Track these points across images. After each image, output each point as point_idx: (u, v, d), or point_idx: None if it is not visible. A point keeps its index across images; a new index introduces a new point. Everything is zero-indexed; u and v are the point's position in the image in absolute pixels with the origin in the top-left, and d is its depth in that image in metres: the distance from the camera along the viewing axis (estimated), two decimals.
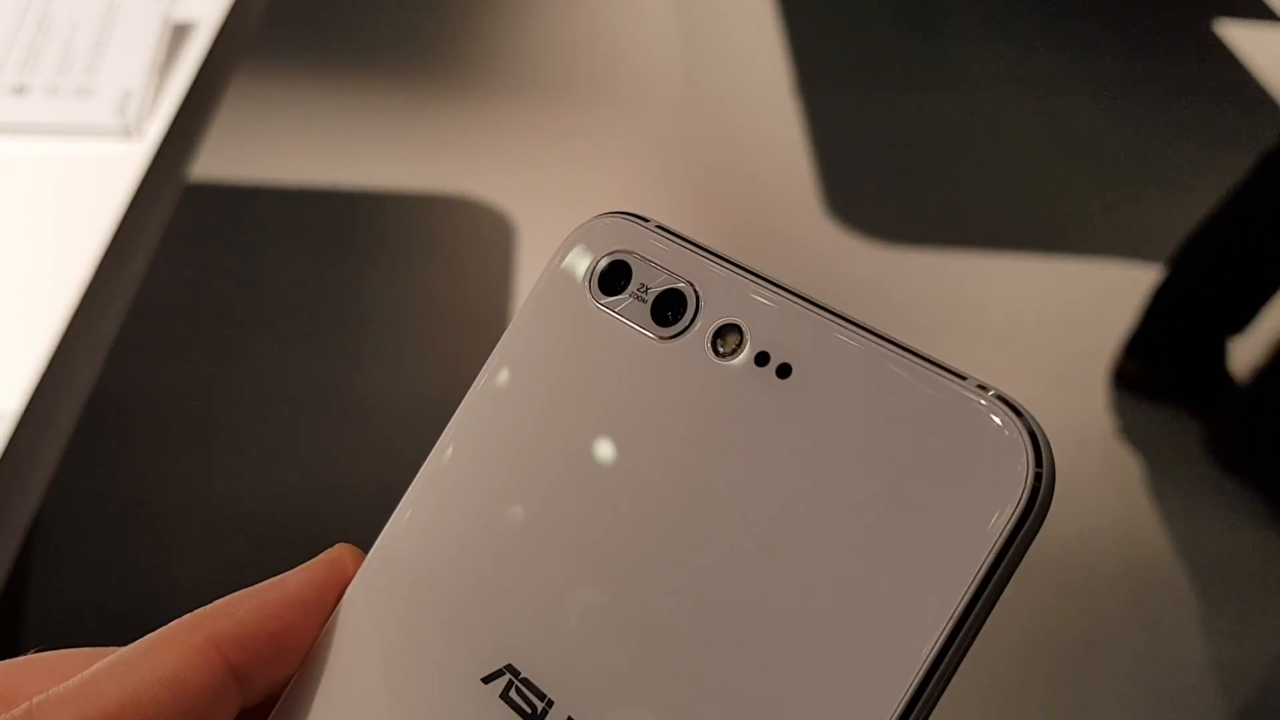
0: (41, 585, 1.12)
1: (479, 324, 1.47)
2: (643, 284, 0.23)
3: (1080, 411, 1.44)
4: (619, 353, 0.23)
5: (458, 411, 0.25)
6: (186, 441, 1.33)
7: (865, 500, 0.20)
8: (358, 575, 0.24)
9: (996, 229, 1.73)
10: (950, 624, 0.19)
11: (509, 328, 0.25)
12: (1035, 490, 0.19)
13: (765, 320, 0.22)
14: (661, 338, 0.23)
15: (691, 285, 0.23)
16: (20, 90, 0.69)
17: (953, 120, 1.95)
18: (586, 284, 0.24)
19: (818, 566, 0.20)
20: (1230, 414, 1.37)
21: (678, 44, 2.10)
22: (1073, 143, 1.92)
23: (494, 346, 0.24)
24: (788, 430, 0.21)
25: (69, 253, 0.61)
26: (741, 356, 0.22)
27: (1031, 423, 0.20)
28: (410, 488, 0.25)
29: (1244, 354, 1.47)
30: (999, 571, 0.19)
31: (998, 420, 0.19)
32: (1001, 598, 0.20)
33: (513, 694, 0.22)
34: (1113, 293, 1.61)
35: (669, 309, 0.23)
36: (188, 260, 1.53)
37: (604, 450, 0.22)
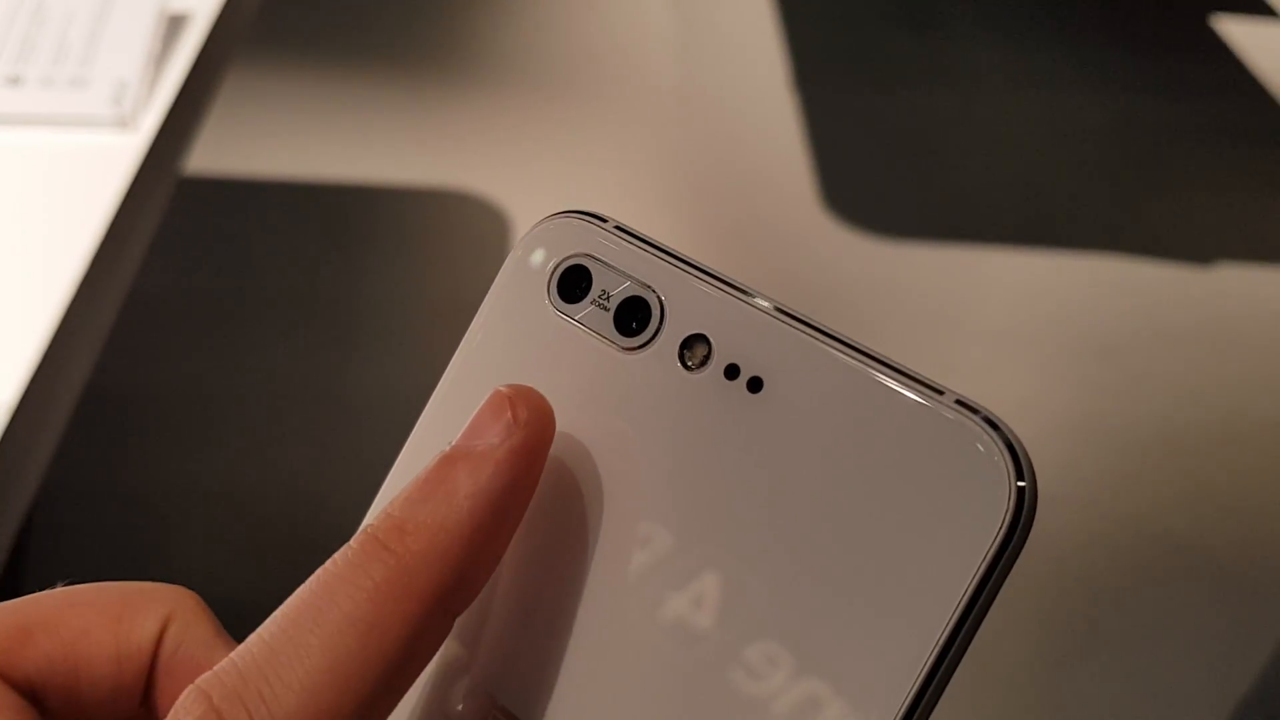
0: (35, 578, 1.11)
1: (473, 318, 1.47)
2: (604, 290, 0.22)
3: (1076, 407, 1.44)
4: (582, 365, 0.22)
5: (416, 426, 0.24)
6: (180, 434, 1.33)
7: (843, 523, 0.19)
8: None
9: (994, 224, 1.73)
10: (937, 649, 0.18)
11: (465, 336, 0.23)
12: (1019, 506, 0.18)
13: (734, 331, 0.21)
14: (626, 348, 0.21)
15: (655, 292, 0.21)
16: (15, 81, 0.69)
17: (950, 115, 1.95)
18: (545, 290, 0.22)
19: (796, 595, 0.19)
20: None
21: (674, 38, 2.10)
22: (1070, 138, 1.92)
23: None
24: (760, 448, 0.20)
25: (64, 244, 0.61)
26: (710, 369, 0.21)
27: (1009, 435, 0.19)
28: (368, 514, 0.23)
29: None
30: (984, 592, 0.19)
31: (977, 439, 0.19)
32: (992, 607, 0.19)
33: None
34: (1110, 288, 1.61)
35: (633, 318, 0.21)
36: (181, 253, 1.53)
37: (571, 469, 0.22)
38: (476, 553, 0.19)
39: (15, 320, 0.57)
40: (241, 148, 1.71)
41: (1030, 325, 1.55)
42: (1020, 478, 0.19)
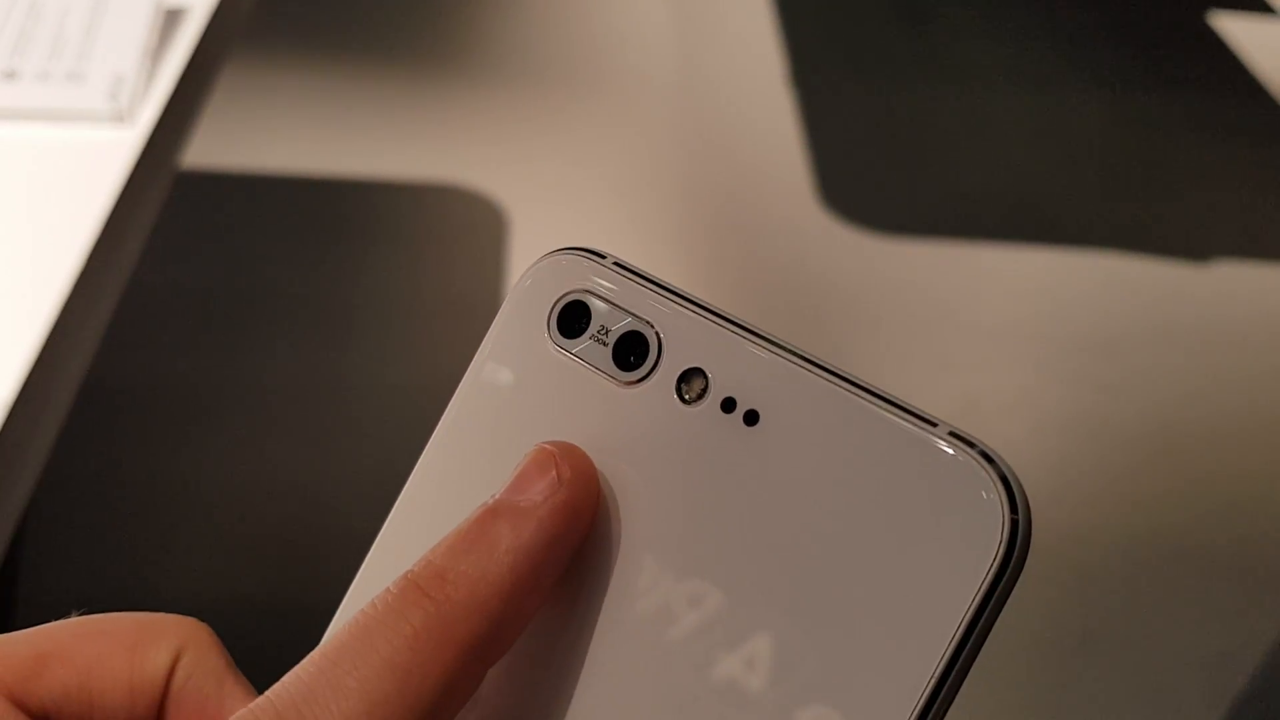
0: (32, 573, 1.11)
1: (471, 313, 1.47)
2: (603, 326, 0.22)
3: (1073, 403, 1.44)
4: (582, 399, 0.22)
5: (420, 460, 0.24)
6: (177, 429, 1.33)
7: (839, 557, 0.20)
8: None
9: (990, 220, 1.73)
10: (934, 679, 0.19)
11: (468, 371, 0.24)
12: (1013, 537, 0.19)
13: (730, 364, 0.21)
14: (624, 383, 0.22)
15: (653, 327, 0.22)
16: (11, 75, 0.69)
17: (947, 112, 1.95)
18: (545, 326, 0.23)
19: (793, 629, 0.20)
20: None
21: (671, 34, 2.09)
22: (1067, 135, 1.92)
23: (464, 371, 0.23)
24: (757, 481, 0.20)
25: (61, 238, 0.61)
26: (707, 402, 0.21)
27: (1003, 467, 0.19)
28: (374, 544, 0.24)
29: None
30: (981, 621, 0.19)
31: (971, 471, 0.19)
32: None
33: None
34: (1106, 284, 1.61)
35: (631, 353, 0.22)
36: (178, 247, 1.52)
37: None
38: (515, 607, 0.20)
39: (13, 315, 0.57)
40: (238, 143, 1.70)
41: (1026, 321, 1.55)
42: (1014, 510, 0.19)
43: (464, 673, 0.19)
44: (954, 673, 0.19)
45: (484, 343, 0.24)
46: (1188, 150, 1.88)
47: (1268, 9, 2.29)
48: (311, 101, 1.83)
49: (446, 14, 2.10)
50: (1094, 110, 1.97)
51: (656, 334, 0.22)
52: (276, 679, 0.20)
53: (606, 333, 0.22)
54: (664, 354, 0.22)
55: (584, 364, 0.22)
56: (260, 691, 0.19)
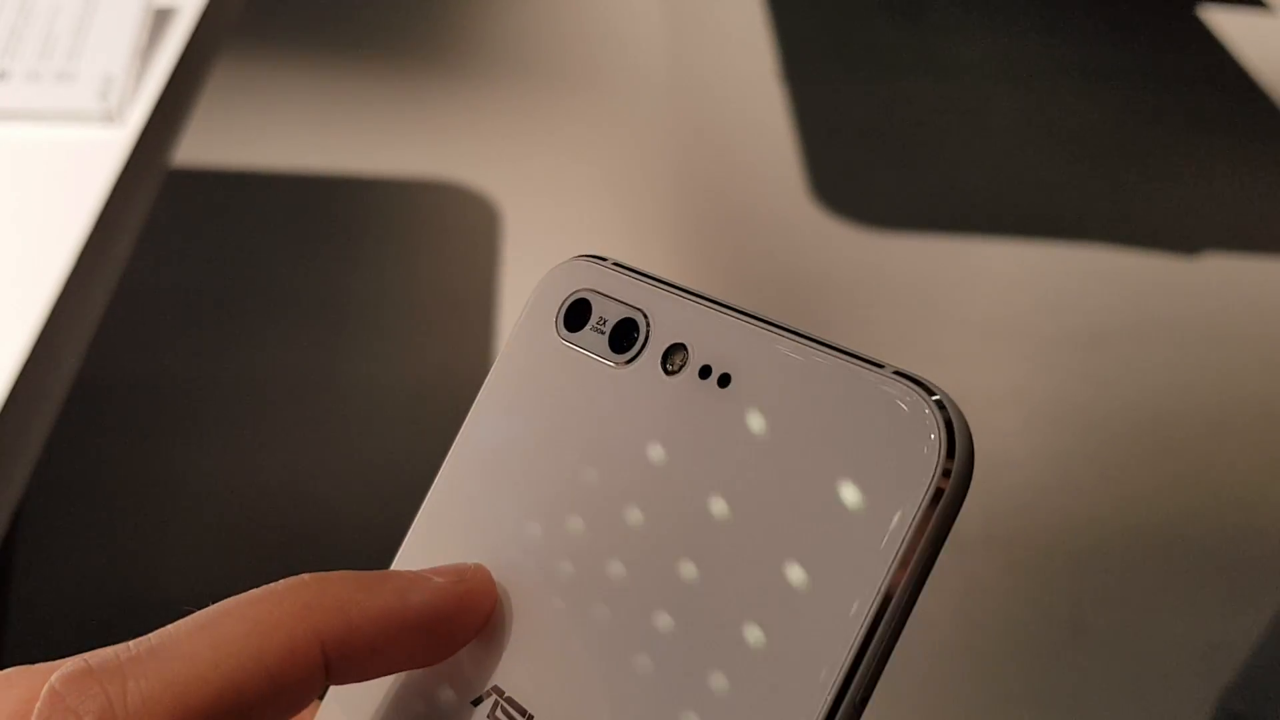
0: (25, 571, 1.11)
1: (464, 309, 1.47)
2: (601, 317, 0.26)
3: (1063, 396, 1.45)
4: (586, 382, 0.25)
5: (451, 451, 0.27)
6: (169, 426, 1.33)
7: (799, 499, 0.22)
8: None
9: (981, 214, 1.74)
10: (869, 618, 0.20)
11: (493, 368, 0.27)
12: (950, 453, 0.21)
13: (705, 336, 0.24)
14: (619, 363, 0.25)
15: (642, 313, 0.25)
16: (1, 75, 0.69)
17: (937, 106, 1.96)
18: (555, 323, 0.26)
19: (757, 571, 0.22)
20: None
21: (663, 30, 2.10)
22: (1057, 128, 1.92)
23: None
24: (732, 435, 0.23)
25: (52, 238, 0.61)
26: (686, 371, 0.24)
27: (941, 396, 0.21)
28: (413, 523, 0.27)
29: None
30: (915, 559, 0.20)
31: (910, 399, 0.21)
32: (932, 576, 0.21)
33: (499, 713, 0.24)
34: (1097, 278, 1.62)
35: (624, 337, 0.25)
36: (170, 246, 1.52)
37: (582, 477, 0.25)
38: (380, 633, 0.22)
39: (4, 314, 0.57)
40: (228, 141, 1.71)
41: (1016, 315, 1.56)
42: (950, 431, 0.21)
43: (304, 653, 0.21)
44: (890, 610, 0.20)
45: (507, 340, 0.27)
46: (1177, 144, 1.89)
47: (1258, 3, 2.30)
48: (301, 100, 1.83)
49: (437, 11, 2.10)
50: (1084, 105, 1.97)
51: (645, 318, 0.25)
52: None
53: (604, 322, 0.26)
54: (651, 334, 0.25)
55: (585, 352, 0.26)
56: None
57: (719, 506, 0.22)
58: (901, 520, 0.20)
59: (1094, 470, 1.37)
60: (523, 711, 0.23)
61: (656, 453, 0.24)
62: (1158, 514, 1.33)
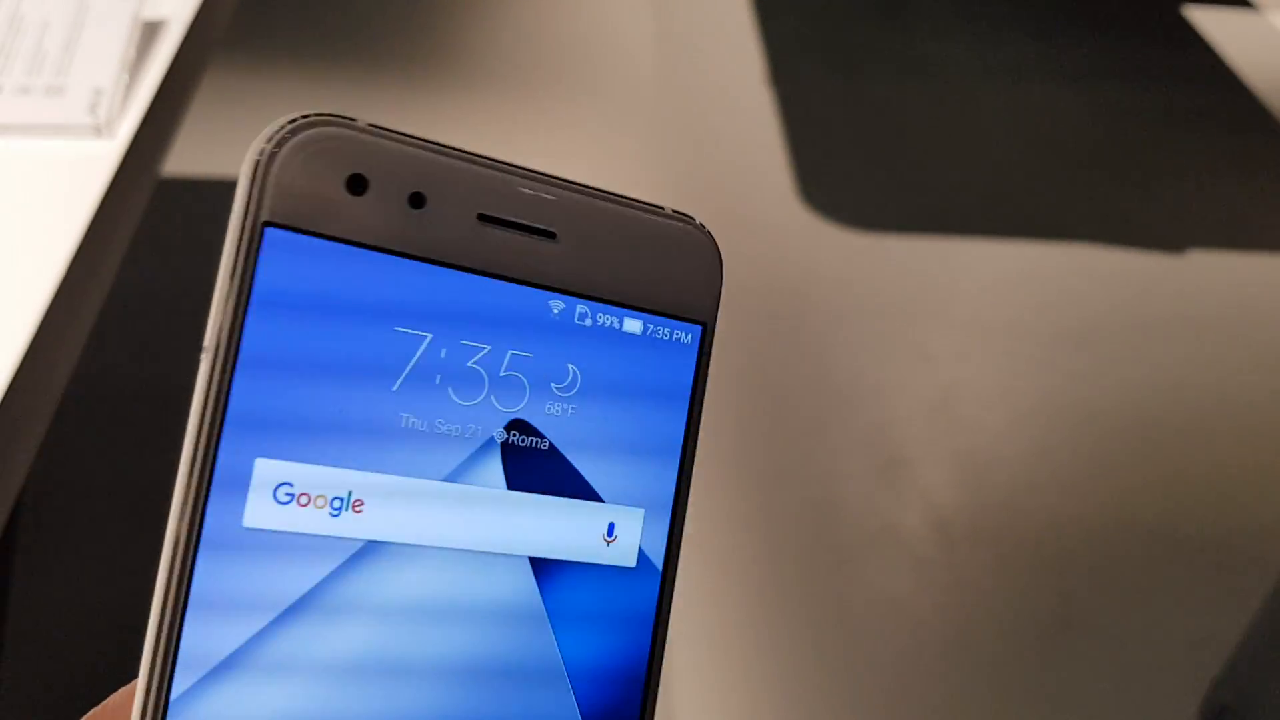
0: (24, 576, 1.12)
1: None
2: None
3: (1050, 393, 1.46)
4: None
5: None
6: (159, 435, 1.34)
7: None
8: None
9: (969, 215, 1.75)
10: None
11: None
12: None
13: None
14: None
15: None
16: None
17: (925, 108, 1.97)
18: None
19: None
20: None
21: (652, 33, 2.11)
22: (1043, 129, 1.93)
23: None
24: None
25: (43, 249, 0.62)
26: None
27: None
28: None
29: None
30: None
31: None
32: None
33: None
34: (1083, 276, 1.63)
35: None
36: (159, 256, 1.54)
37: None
38: None
39: None
40: (218, 152, 1.72)
41: (1005, 314, 1.57)
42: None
43: None
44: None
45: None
46: (1163, 142, 1.90)
47: (1243, 2, 2.31)
48: (290, 109, 1.84)
49: (427, 20, 2.11)
50: (1069, 104, 1.99)
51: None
52: None
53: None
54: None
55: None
56: None
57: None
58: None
59: (1082, 467, 1.38)
60: None
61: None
62: (1146, 510, 1.34)
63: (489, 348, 0.23)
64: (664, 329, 0.25)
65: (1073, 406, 1.45)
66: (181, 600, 0.20)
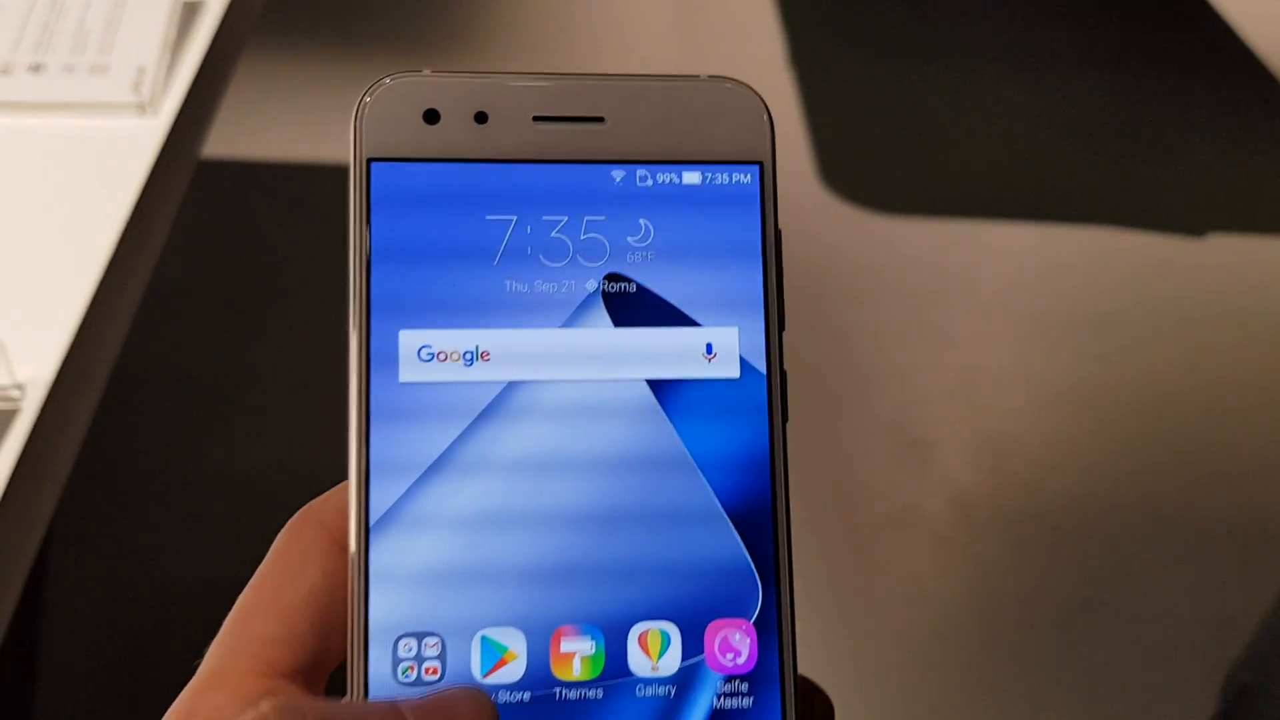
0: (61, 556, 1.14)
1: None
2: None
3: (1070, 375, 1.46)
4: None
5: None
6: (202, 412, 1.35)
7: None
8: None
9: (988, 197, 1.75)
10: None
11: None
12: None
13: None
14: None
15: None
16: (37, 69, 0.71)
17: (945, 91, 1.97)
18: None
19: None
20: None
21: (672, 15, 2.11)
22: (1064, 112, 1.93)
23: None
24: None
25: (91, 226, 0.63)
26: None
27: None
28: None
29: None
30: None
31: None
32: None
33: None
34: (1103, 259, 1.63)
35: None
36: (200, 234, 1.54)
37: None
38: None
39: (51, 299, 0.59)
40: (256, 131, 1.72)
41: (1026, 297, 1.57)
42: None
43: None
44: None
45: None
46: (1185, 126, 1.90)
47: None
48: (327, 89, 1.84)
49: (457, 1, 2.11)
50: (1089, 86, 1.99)
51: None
52: None
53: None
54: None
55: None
56: None
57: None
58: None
59: (1103, 449, 1.39)
60: None
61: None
62: (1165, 491, 1.34)
63: (566, 218, 0.27)
64: (722, 175, 0.28)
65: (1094, 389, 1.45)
66: (364, 448, 0.26)
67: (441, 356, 0.26)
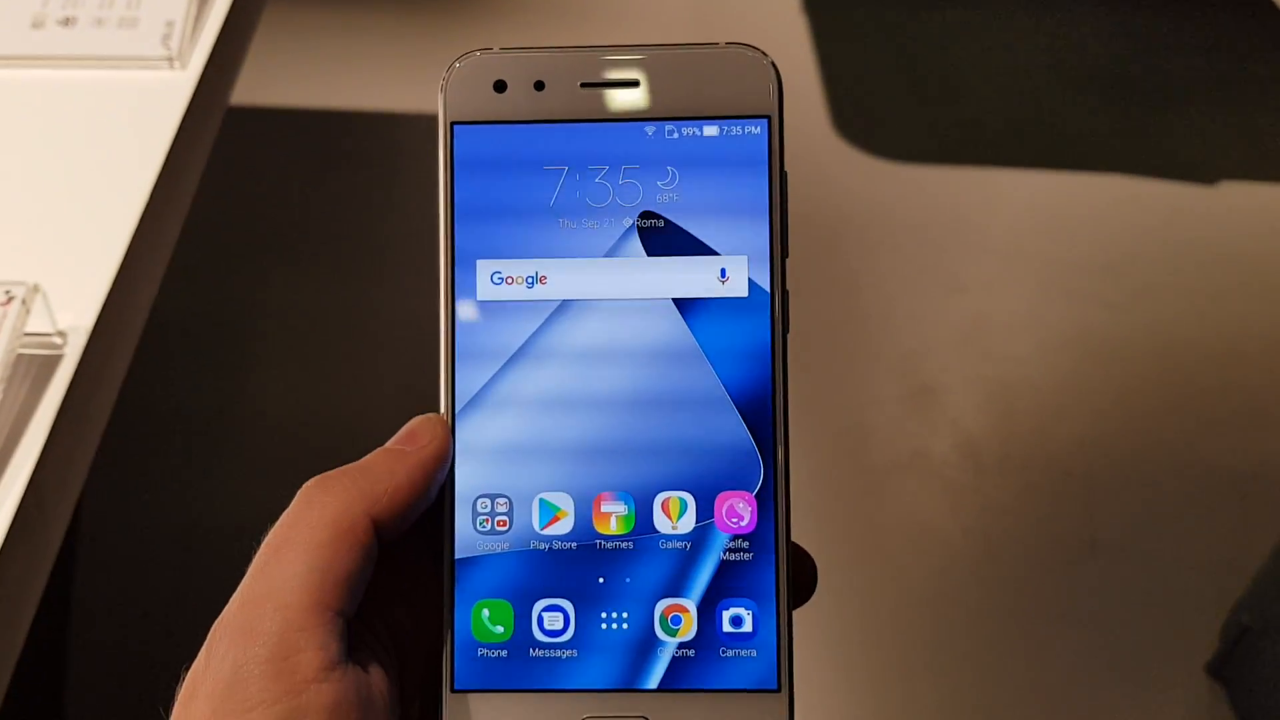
0: (94, 498, 1.16)
1: None
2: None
3: (1080, 321, 1.48)
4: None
5: None
6: (227, 359, 1.37)
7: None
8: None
9: (1000, 144, 1.75)
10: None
11: None
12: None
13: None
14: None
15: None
16: (67, 22, 0.72)
17: (957, 36, 1.96)
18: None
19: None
20: None
21: None
22: (1078, 58, 1.93)
23: None
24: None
25: (127, 176, 0.65)
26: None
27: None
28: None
29: None
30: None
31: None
32: None
33: None
34: (1114, 205, 1.64)
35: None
36: (228, 182, 1.56)
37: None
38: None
39: (88, 251, 0.61)
40: (282, 81, 1.73)
41: (1037, 243, 1.58)
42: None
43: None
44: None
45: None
46: (1197, 72, 1.89)
47: None
48: (351, 39, 1.85)
49: None
50: (1104, 33, 1.98)
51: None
52: None
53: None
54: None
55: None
56: None
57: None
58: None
59: (1111, 395, 1.40)
60: None
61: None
62: (1172, 437, 1.36)
63: (607, 168, 0.33)
64: (736, 127, 0.34)
65: (1102, 335, 1.46)
66: (451, 351, 0.33)
67: (509, 280, 0.33)
